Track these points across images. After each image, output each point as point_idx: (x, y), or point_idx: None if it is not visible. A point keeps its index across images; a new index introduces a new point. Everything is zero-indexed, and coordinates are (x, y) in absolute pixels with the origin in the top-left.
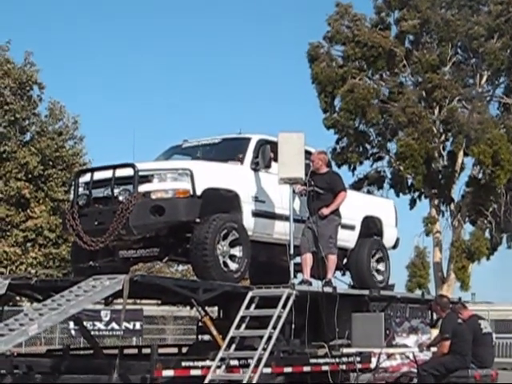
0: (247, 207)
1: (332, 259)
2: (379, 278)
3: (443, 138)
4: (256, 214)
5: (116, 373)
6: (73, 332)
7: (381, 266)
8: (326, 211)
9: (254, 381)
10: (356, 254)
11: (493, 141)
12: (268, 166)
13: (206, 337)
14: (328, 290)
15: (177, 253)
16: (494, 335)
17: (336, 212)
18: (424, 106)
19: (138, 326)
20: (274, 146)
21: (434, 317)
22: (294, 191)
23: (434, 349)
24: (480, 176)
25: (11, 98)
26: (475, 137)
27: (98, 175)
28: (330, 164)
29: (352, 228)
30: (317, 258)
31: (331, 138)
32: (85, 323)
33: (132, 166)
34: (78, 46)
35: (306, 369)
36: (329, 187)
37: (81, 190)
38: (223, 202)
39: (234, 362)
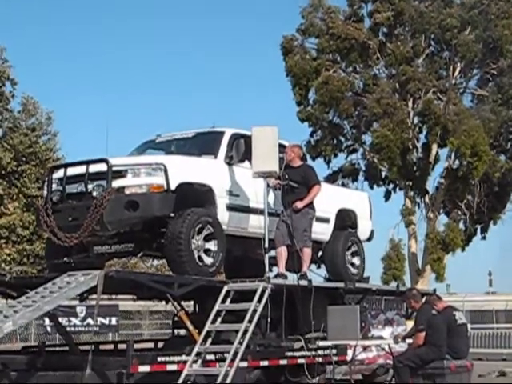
0: (222, 201)
1: (307, 252)
2: (354, 270)
3: (417, 130)
4: (230, 208)
5: (89, 368)
6: (48, 328)
7: (356, 259)
8: (300, 205)
9: (231, 375)
10: (331, 247)
11: (470, 132)
12: (242, 160)
13: (182, 331)
14: (303, 283)
15: (151, 248)
16: (469, 326)
17: (310, 205)
18: (398, 97)
19: (113, 321)
20: (247, 140)
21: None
22: (268, 185)
23: (409, 340)
24: (456, 167)
25: None
26: (452, 128)
27: (72, 171)
28: (304, 157)
29: (327, 221)
30: (291, 251)
31: (306, 131)
32: (60, 319)
33: (105, 161)
34: (52, 42)
35: (283, 362)
36: (303, 181)
37: (54, 186)
38: (197, 196)
39: (211, 357)
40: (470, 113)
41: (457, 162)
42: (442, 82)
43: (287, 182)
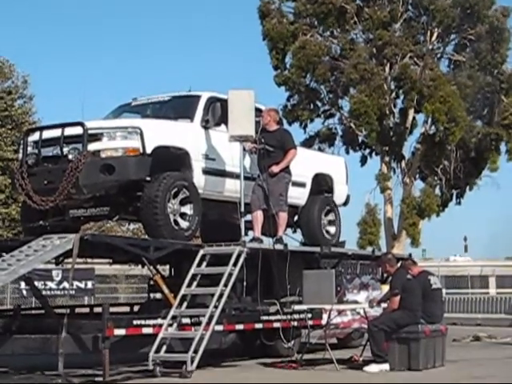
0: (198, 165)
1: (283, 216)
2: (330, 235)
3: (394, 95)
4: (206, 172)
5: (64, 332)
6: (24, 292)
7: (331, 223)
8: (275, 169)
9: (206, 338)
10: (307, 212)
11: (446, 98)
12: (218, 124)
13: (158, 295)
14: (279, 247)
15: (127, 211)
16: (444, 291)
17: (286, 170)
18: (375, 63)
19: (89, 285)
20: (224, 103)
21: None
22: (244, 149)
23: (384, 305)
24: (433, 133)
25: None
26: (428, 94)
27: (47, 134)
28: (281, 121)
29: (303, 185)
30: (267, 215)
31: (282, 95)
32: (36, 283)
33: (81, 124)
34: (28, 4)
35: (258, 326)
36: (279, 144)
37: (30, 149)
38: (173, 160)
39: (186, 320)
40: (446, 78)
41: (433, 127)
42: (418, 47)
43: (263, 146)
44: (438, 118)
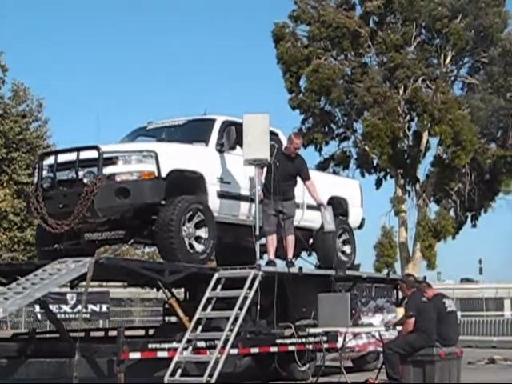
0: (212, 188)
1: (291, 239)
2: (345, 258)
3: (408, 118)
4: (221, 196)
5: (78, 355)
6: (39, 315)
7: (346, 247)
8: (319, 199)
9: (221, 362)
10: (322, 235)
11: (454, 121)
12: (233, 148)
13: (173, 318)
14: (294, 270)
15: (142, 235)
16: (459, 313)
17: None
18: (389, 86)
19: (104, 308)
20: (239, 127)
21: (400, 296)
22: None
23: (399, 328)
24: (444, 156)
25: None
26: (438, 117)
27: (62, 157)
28: None
29: (318, 208)
30: (279, 238)
31: (297, 118)
32: (51, 306)
33: (96, 148)
34: (43, 28)
35: (273, 349)
36: (296, 173)
37: (45, 172)
38: (188, 183)
39: (201, 344)
40: (457, 102)
41: (442, 150)
42: (431, 70)
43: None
44: (445, 141)
